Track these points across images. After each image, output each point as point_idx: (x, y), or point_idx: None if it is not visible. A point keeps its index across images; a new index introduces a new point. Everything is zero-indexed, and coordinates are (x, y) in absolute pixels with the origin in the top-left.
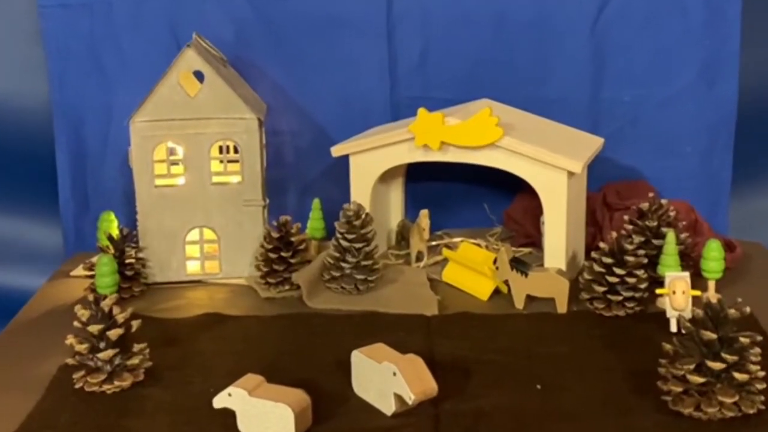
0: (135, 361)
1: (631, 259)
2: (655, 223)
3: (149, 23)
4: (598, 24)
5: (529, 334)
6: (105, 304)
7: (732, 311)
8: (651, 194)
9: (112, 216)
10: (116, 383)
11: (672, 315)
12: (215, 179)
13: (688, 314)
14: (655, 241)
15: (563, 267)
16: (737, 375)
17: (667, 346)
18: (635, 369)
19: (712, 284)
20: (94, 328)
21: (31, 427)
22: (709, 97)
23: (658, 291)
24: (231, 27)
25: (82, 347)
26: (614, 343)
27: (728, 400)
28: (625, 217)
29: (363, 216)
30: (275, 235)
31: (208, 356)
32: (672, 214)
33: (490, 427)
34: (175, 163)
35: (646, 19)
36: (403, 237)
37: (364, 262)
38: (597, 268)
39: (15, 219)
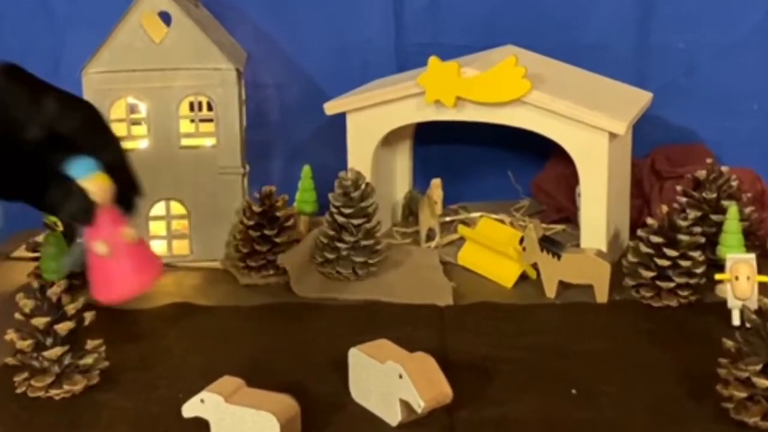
0: (88, 360)
1: (685, 238)
2: (714, 195)
3: None
4: None
5: (562, 328)
6: (52, 293)
7: None
8: (709, 160)
9: None
10: (66, 387)
11: (734, 305)
12: (185, 142)
13: (753, 304)
14: (714, 217)
15: (603, 248)
16: None
17: (729, 343)
18: (690, 370)
19: None
20: (39, 322)
21: None
22: None
23: (717, 276)
24: None
25: (24, 344)
26: (665, 338)
27: None
28: (678, 188)
29: (363, 186)
30: (257, 208)
31: (177, 355)
32: (734, 183)
33: None
34: (136, 122)
35: None
36: (411, 211)
37: (363, 242)
38: (644, 248)
39: None
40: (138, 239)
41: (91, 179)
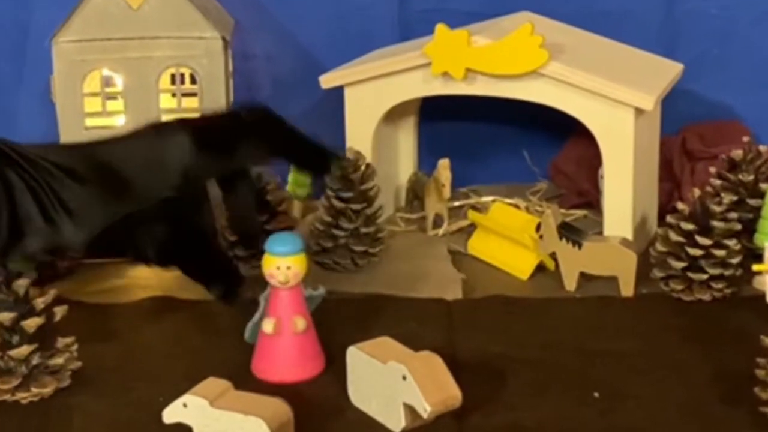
0: (59, 360)
1: (719, 224)
2: (752, 177)
3: None
4: None
5: (583, 325)
6: (19, 285)
7: None
8: (745, 138)
9: None
10: (34, 390)
11: None
12: (166, 118)
13: None
14: (752, 201)
15: (629, 236)
16: None
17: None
18: (725, 371)
19: None
20: (4, 317)
21: None
22: None
23: (755, 267)
24: None
25: None
26: (697, 336)
27: None
28: (712, 169)
29: (362, 168)
30: None
31: (157, 354)
32: None
33: None
34: (112, 97)
35: None
36: (416, 195)
37: (364, 229)
38: (674, 236)
39: None
40: (307, 331)
41: (290, 258)
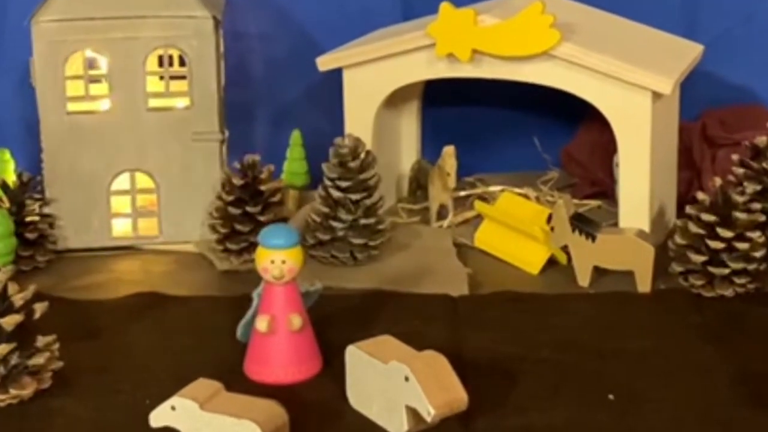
0: (39, 360)
1: (742, 215)
2: None
3: None
4: None
5: (597, 323)
6: None
7: None
8: None
9: (8, 155)
10: (12, 392)
11: None
12: (153, 103)
13: None
14: None
15: (646, 227)
16: None
17: None
18: (747, 371)
19: None
20: None
21: None
22: None
23: None
24: None
25: None
26: (718, 334)
27: None
28: (734, 157)
29: (362, 155)
30: (238, 182)
31: (143, 354)
32: None
33: None
34: (96, 80)
35: None
36: (419, 185)
37: (363, 221)
38: (694, 228)
39: None
40: (303, 329)
41: (285, 252)
